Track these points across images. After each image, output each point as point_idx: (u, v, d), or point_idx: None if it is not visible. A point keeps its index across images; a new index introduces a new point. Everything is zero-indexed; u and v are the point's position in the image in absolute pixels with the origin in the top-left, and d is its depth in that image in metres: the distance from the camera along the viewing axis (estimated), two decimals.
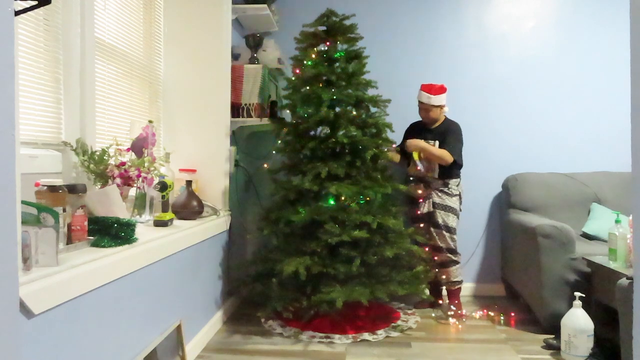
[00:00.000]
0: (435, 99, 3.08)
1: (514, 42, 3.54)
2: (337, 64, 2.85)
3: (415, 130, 3.22)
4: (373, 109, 2.97)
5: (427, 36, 3.57)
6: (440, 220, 3.05)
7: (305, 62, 2.86)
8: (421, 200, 3.11)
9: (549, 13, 3.52)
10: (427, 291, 2.94)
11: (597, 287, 2.49)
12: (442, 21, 3.57)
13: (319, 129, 2.87)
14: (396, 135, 3.43)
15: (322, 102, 2.73)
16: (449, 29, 3.57)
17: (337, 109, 2.83)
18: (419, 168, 3.07)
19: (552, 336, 2.51)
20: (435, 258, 3.08)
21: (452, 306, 3.07)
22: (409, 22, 3.58)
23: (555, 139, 3.52)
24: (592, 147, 3.49)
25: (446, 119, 3.17)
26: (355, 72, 2.84)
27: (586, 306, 2.37)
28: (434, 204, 3.07)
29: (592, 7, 3.48)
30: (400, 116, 3.43)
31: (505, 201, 3.43)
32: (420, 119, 3.23)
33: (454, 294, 3.12)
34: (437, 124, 3.15)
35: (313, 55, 2.84)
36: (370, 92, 2.93)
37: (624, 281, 1.96)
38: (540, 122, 3.52)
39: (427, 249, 2.97)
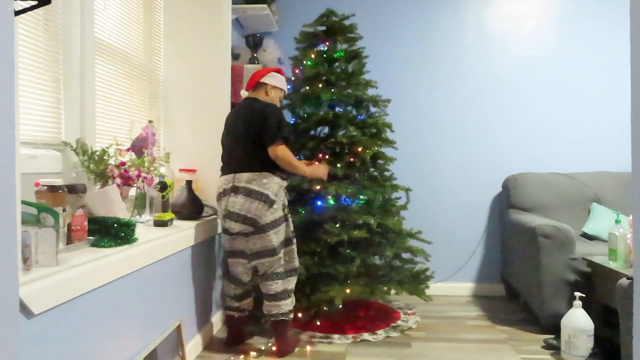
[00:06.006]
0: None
1: (514, 42, 3.54)
2: (337, 64, 2.85)
3: None
4: (373, 109, 2.97)
5: (427, 36, 3.57)
6: None
7: (305, 62, 2.87)
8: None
9: (549, 13, 3.52)
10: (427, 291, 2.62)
11: (597, 287, 2.49)
12: (442, 21, 3.57)
13: (319, 128, 2.88)
14: (396, 135, 3.44)
15: (321, 102, 2.73)
16: (449, 29, 3.56)
17: (337, 109, 2.83)
18: None
19: (552, 336, 2.51)
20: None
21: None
22: (409, 22, 3.58)
23: (555, 139, 3.51)
24: (592, 147, 3.49)
25: None
26: (355, 72, 2.84)
27: (586, 306, 2.37)
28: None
29: (592, 7, 3.48)
30: (400, 116, 3.43)
31: (505, 201, 3.42)
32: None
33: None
34: None
35: (313, 55, 2.84)
36: (370, 92, 2.93)
37: (624, 281, 1.96)
38: (541, 122, 3.52)
39: None
